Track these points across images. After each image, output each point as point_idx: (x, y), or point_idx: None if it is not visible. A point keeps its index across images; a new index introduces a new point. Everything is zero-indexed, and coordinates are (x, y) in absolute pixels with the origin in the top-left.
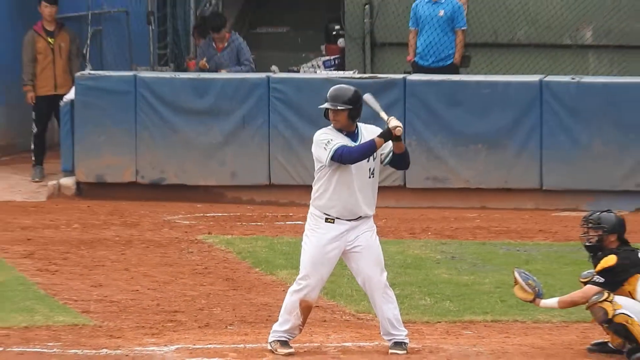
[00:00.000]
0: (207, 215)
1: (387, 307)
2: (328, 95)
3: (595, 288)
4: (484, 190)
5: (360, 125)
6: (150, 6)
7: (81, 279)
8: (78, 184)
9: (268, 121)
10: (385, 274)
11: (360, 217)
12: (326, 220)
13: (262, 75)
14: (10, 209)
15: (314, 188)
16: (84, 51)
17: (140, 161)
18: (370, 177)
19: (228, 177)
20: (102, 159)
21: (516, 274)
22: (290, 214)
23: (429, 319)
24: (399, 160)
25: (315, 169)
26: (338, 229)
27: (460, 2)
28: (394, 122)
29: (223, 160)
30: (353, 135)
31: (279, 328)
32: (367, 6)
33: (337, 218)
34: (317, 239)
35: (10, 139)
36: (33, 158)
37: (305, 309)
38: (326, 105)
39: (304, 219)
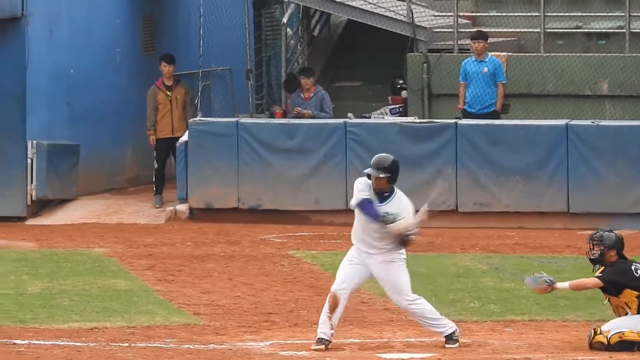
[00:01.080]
0: (296, 234)
1: (417, 318)
2: (372, 162)
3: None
4: (521, 214)
5: (399, 192)
6: (249, 65)
7: (193, 287)
8: (191, 209)
9: (345, 158)
10: (407, 297)
11: (374, 249)
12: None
13: (340, 120)
14: (136, 230)
15: None
16: (196, 102)
17: (242, 190)
18: (379, 227)
19: (312, 203)
20: (211, 189)
21: (527, 283)
22: None
23: (477, 318)
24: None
25: None
26: (357, 252)
27: (501, 60)
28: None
29: (309, 189)
30: (384, 196)
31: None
32: (425, 64)
33: (356, 245)
34: (346, 256)
35: (136, 173)
36: (154, 188)
37: (333, 304)
38: (369, 170)
39: None
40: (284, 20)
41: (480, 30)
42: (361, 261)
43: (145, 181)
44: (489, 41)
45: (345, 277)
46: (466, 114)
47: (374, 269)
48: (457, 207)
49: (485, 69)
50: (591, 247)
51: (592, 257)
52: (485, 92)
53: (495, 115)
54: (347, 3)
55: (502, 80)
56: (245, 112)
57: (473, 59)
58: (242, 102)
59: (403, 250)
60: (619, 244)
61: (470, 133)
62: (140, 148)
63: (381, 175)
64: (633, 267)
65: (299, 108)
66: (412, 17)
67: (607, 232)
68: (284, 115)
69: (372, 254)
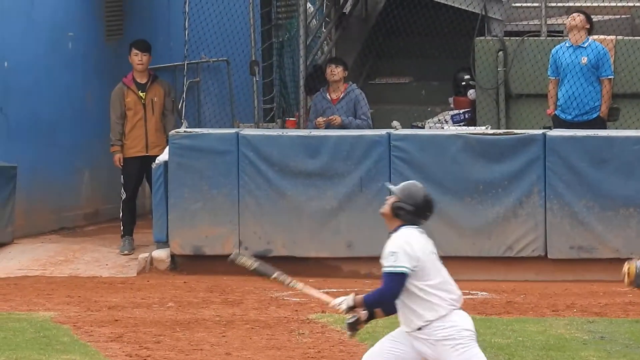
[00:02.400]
0: (321, 291)
1: None
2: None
3: None
4: None
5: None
6: (254, 55)
7: None
8: (172, 256)
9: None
10: None
11: (411, 329)
12: None
13: (382, 131)
14: (96, 286)
15: None
16: (180, 106)
17: (244, 230)
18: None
19: (343, 247)
20: (200, 228)
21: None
22: None
23: None
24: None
25: None
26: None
27: (607, 47)
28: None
29: (337, 229)
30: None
31: None
32: (500, 53)
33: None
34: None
35: (96, 206)
36: (122, 227)
37: None
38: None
39: None
40: None
41: (582, 10)
42: (406, 341)
43: (109, 217)
44: (590, 20)
45: (375, 356)
46: (558, 122)
47: (424, 353)
48: (546, 253)
49: (585, 59)
50: None
51: None
52: (584, 91)
53: (599, 123)
54: None
55: (608, 75)
56: (248, 121)
57: (567, 44)
58: (245, 107)
59: (456, 325)
60: None
61: (564, 149)
62: (102, 171)
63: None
64: None
65: (321, 118)
66: None
67: None
68: (301, 123)
69: (414, 336)
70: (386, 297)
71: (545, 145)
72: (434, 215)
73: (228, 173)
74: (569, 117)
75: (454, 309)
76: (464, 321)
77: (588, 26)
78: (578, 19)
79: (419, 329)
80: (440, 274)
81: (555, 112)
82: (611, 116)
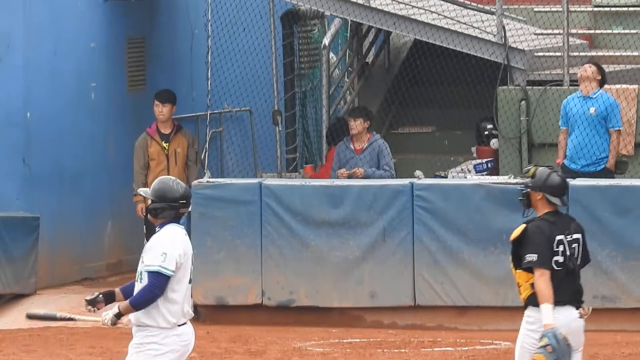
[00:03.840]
0: (344, 341)
1: None
2: None
3: None
4: None
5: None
6: (276, 105)
7: None
8: (195, 306)
9: (412, 233)
10: None
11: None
12: None
13: (405, 181)
14: (119, 337)
15: None
16: (202, 156)
17: (267, 280)
18: None
19: (367, 297)
20: (223, 278)
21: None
22: (439, 339)
23: None
24: None
25: None
26: None
27: (628, 97)
28: None
29: (361, 279)
30: None
31: None
32: (523, 102)
33: None
34: None
35: (119, 256)
36: None
37: None
38: None
39: (454, 344)
40: (326, 42)
41: (594, 61)
42: None
43: (132, 268)
44: (608, 69)
45: None
46: (567, 171)
47: None
48: None
49: (593, 110)
50: None
51: None
52: (591, 141)
53: (606, 174)
54: (413, 17)
55: (616, 127)
56: (271, 171)
57: (578, 95)
58: (267, 157)
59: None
60: None
61: (586, 197)
62: (125, 221)
63: None
64: None
65: (344, 170)
66: (505, 36)
67: None
68: (317, 167)
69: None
70: (156, 296)
71: (568, 195)
72: (458, 264)
73: (251, 223)
74: (577, 167)
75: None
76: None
77: (599, 77)
78: (590, 70)
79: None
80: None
81: (564, 161)
82: (618, 169)
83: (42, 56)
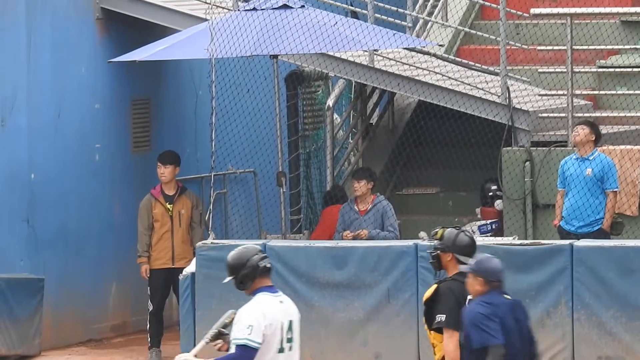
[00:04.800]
0: None
1: None
2: None
3: None
4: None
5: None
6: (281, 166)
7: None
8: None
9: (416, 294)
10: None
11: None
12: None
13: (409, 242)
14: None
15: None
16: (206, 217)
17: None
18: None
19: (371, 358)
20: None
21: None
22: None
23: None
24: None
25: None
26: None
27: (633, 157)
28: None
29: (365, 340)
30: None
31: None
32: (527, 163)
33: None
34: None
35: (123, 317)
36: (149, 339)
37: None
38: None
39: None
40: (330, 103)
41: (587, 121)
42: None
43: (137, 329)
44: (605, 131)
45: None
46: (562, 233)
47: None
48: None
49: (590, 171)
50: None
51: None
52: (587, 202)
53: (601, 236)
54: (417, 78)
55: (613, 188)
56: (276, 232)
57: (575, 156)
58: (272, 218)
59: None
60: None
61: (592, 259)
62: (129, 283)
63: None
64: None
65: (349, 232)
66: (509, 97)
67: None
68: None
69: None
70: None
71: (573, 256)
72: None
73: None
74: (572, 229)
75: None
76: None
77: (593, 138)
78: (582, 133)
79: None
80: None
81: (560, 223)
82: (614, 230)
83: (46, 118)
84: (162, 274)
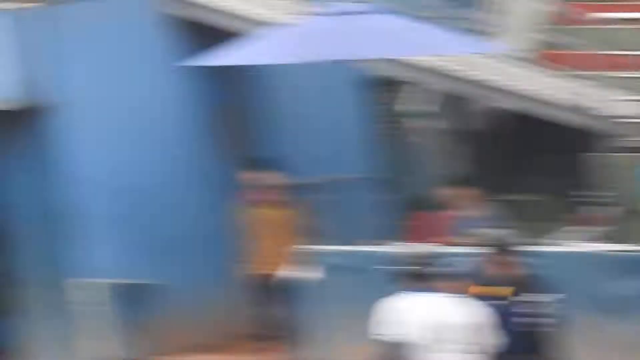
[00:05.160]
0: None
1: None
2: None
3: None
4: None
5: None
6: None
7: None
8: None
9: None
10: None
11: None
12: None
13: None
14: None
15: None
16: (312, 223)
17: None
18: None
19: None
20: (339, 346)
21: None
22: None
23: None
24: None
25: None
26: None
27: None
28: None
29: None
30: None
31: None
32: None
33: None
34: None
35: (233, 323)
36: (273, 345)
37: None
38: None
39: None
40: (421, 108)
41: None
42: None
43: (245, 335)
44: None
45: None
46: None
47: None
48: None
49: None
50: None
51: None
52: None
53: None
54: (520, 91)
55: None
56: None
57: None
58: (360, 224)
59: None
60: None
61: None
62: (236, 289)
63: None
64: None
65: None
66: (602, 104)
67: None
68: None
69: None
70: None
71: None
72: None
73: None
74: None
75: None
76: None
77: None
78: None
79: None
80: None
81: None
82: None
83: (142, 125)
84: (266, 280)
